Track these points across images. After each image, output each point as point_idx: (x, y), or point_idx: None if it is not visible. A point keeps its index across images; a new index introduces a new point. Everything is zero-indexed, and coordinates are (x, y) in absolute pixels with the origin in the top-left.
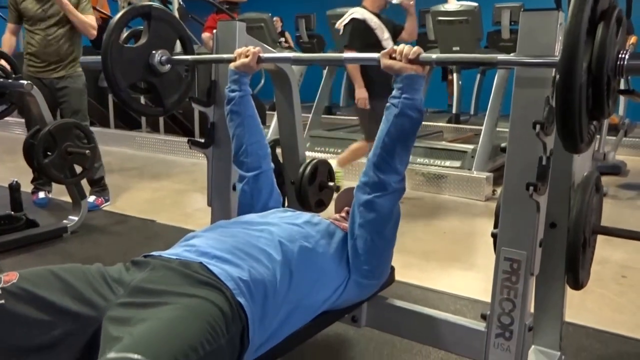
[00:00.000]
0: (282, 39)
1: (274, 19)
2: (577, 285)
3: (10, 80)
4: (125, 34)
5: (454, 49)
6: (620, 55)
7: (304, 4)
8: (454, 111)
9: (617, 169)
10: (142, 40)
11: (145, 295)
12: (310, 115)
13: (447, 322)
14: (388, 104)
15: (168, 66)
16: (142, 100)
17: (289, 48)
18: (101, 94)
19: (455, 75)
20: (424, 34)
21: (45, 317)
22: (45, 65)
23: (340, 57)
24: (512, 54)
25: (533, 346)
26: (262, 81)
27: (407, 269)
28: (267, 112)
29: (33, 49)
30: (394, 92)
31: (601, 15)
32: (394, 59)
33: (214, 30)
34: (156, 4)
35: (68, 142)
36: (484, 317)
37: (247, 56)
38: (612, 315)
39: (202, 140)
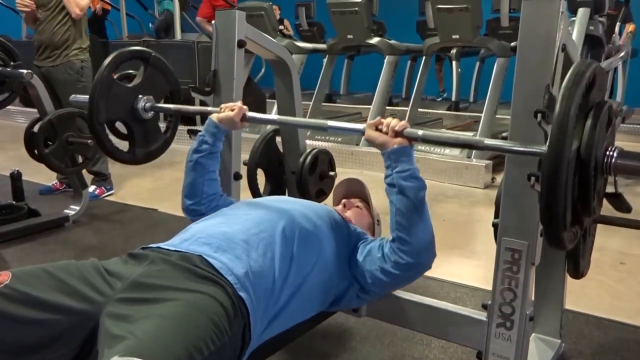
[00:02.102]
0: (282, 27)
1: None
2: (578, 274)
3: (9, 69)
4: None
5: (454, 36)
6: (608, 153)
7: None
8: (453, 99)
9: None
10: (134, 82)
11: (145, 291)
12: (311, 104)
13: (448, 312)
14: (385, 186)
15: (151, 114)
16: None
17: (289, 37)
18: None
19: (454, 63)
20: (423, 22)
21: (40, 316)
22: (41, 52)
23: (325, 124)
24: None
25: (533, 334)
26: (263, 69)
27: None
28: (267, 100)
29: (35, 37)
30: (386, 171)
31: (591, 110)
32: (380, 130)
33: (213, 22)
34: (157, 54)
35: (69, 131)
36: (484, 306)
37: (232, 110)
38: (611, 302)
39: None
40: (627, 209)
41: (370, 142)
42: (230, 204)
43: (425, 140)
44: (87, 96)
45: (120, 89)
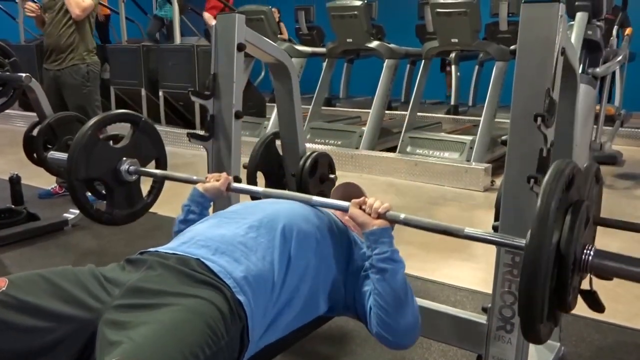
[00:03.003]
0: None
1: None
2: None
3: (8, 72)
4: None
5: (453, 40)
6: (585, 251)
7: None
8: (452, 102)
9: (613, 159)
10: (121, 144)
11: (143, 296)
12: (310, 107)
13: (448, 315)
14: (364, 273)
15: (134, 177)
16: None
17: (289, 41)
18: (101, 85)
19: (453, 67)
20: (422, 25)
21: (38, 324)
22: (48, 55)
23: (310, 200)
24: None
25: None
26: (262, 73)
27: (407, 259)
28: (267, 104)
29: (44, 40)
30: (366, 252)
31: (569, 209)
32: (363, 209)
33: (213, 23)
34: (149, 121)
35: (68, 135)
36: (484, 309)
37: (217, 180)
38: (610, 305)
39: (202, 133)
40: (600, 308)
41: (353, 220)
42: None
43: (407, 224)
44: (65, 155)
45: (105, 148)
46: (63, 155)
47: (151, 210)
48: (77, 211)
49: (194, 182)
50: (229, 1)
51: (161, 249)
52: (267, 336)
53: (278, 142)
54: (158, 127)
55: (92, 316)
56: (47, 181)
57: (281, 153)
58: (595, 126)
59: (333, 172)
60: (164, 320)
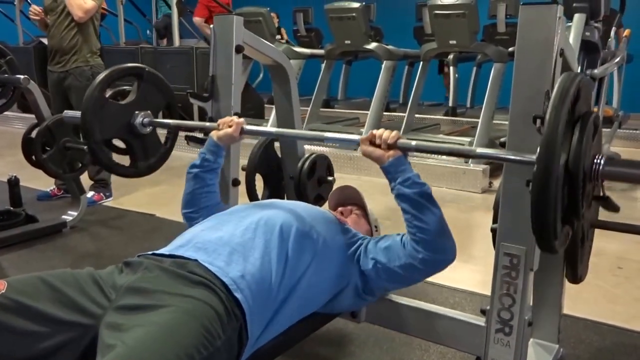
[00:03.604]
0: (278, 36)
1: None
2: (576, 279)
3: (6, 74)
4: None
5: (451, 42)
6: (595, 161)
7: None
8: (450, 104)
9: None
10: (129, 99)
11: (139, 297)
12: (309, 109)
13: (446, 317)
14: (396, 200)
15: (149, 129)
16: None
17: (287, 43)
18: None
19: (451, 68)
20: (421, 27)
21: (37, 328)
22: (52, 57)
23: (322, 136)
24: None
25: (532, 339)
26: (261, 75)
27: None
28: (266, 105)
29: (47, 42)
30: (390, 184)
31: (578, 120)
32: (374, 143)
33: (211, 26)
34: (151, 69)
35: (66, 137)
36: (483, 312)
37: (230, 126)
38: (609, 307)
39: (200, 136)
40: (615, 208)
41: (367, 156)
42: (225, 207)
43: (419, 150)
44: (79, 112)
45: (115, 107)
46: (77, 114)
47: (149, 212)
48: (76, 213)
49: (208, 130)
50: (228, 5)
51: (158, 251)
52: (266, 334)
53: (277, 144)
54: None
55: (92, 321)
56: (45, 183)
57: (280, 155)
58: None
59: (331, 174)
60: (159, 322)
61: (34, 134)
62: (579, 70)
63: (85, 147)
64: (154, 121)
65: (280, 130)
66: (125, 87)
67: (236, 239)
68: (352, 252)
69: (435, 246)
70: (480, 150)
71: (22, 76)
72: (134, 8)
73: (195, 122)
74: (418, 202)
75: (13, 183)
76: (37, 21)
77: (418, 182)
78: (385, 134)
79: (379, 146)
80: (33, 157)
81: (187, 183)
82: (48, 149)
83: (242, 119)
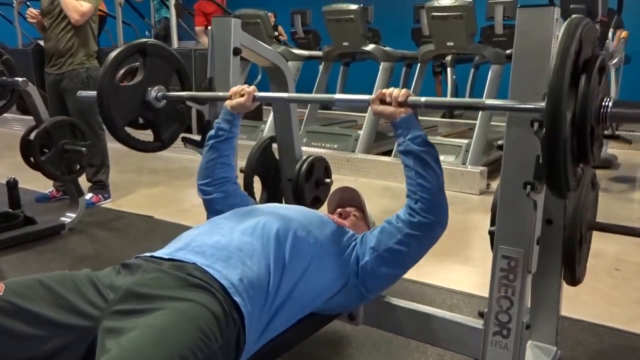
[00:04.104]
0: (276, 33)
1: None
2: (574, 281)
3: (4, 77)
4: (121, 71)
5: (448, 44)
6: (603, 104)
7: (300, 0)
8: None
9: (608, 163)
10: (138, 78)
11: (137, 301)
12: (307, 111)
13: (444, 320)
14: (401, 156)
15: (164, 102)
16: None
17: (284, 42)
18: None
19: (449, 70)
20: (418, 29)
21: (35, 331)
22: (48, 59)
23: (332, 98)
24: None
25: (530, 341)
26: (259, 76)
27: None
28: (264, 107)
29: (44, 44)
30: (398, 140)
31: (584, 64)
32: (384, 102)
33: (209, 27)
34: (152, 40)
35: (65, 139)
36: (481, 314)
37: (242, 95)
38: (607, 309)
39: (197, 139)
40: (627, 141)
41: (379, 116)
42: (242, 196)
43: (428, 106)
44: (94, 92)
45: (127, 90)
46: (92, 93)
47: (148, 214)
48: (74, 215)
49: (221, 99)
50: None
51: (157, 253)
52: (264, 337)
53: (275, 146)
54: None
55: (90, 324)
56: (44, 185)
57: (278, 157)
58: None
59: (329, 177)
60: (154, 324)
61: (32, 136)
62: None
63: (84, 148)
64: (168, 94)
65: (293, 95)
66: (132, 65)
67: (234, 243)
68: (348, 253)
69: (433, 205)
70: (489, 101)
71: (20, 78)
72: (132, 10)
73: (209, 93)
74: (425, 160)
75: (12, 185)
76: (35, 24)
77: (428, 142)
78: (396, 92)
79: (389, 104)
80: (31, 159)
81: (203, 156)
82: (46, 151)
83: (252, 87)
